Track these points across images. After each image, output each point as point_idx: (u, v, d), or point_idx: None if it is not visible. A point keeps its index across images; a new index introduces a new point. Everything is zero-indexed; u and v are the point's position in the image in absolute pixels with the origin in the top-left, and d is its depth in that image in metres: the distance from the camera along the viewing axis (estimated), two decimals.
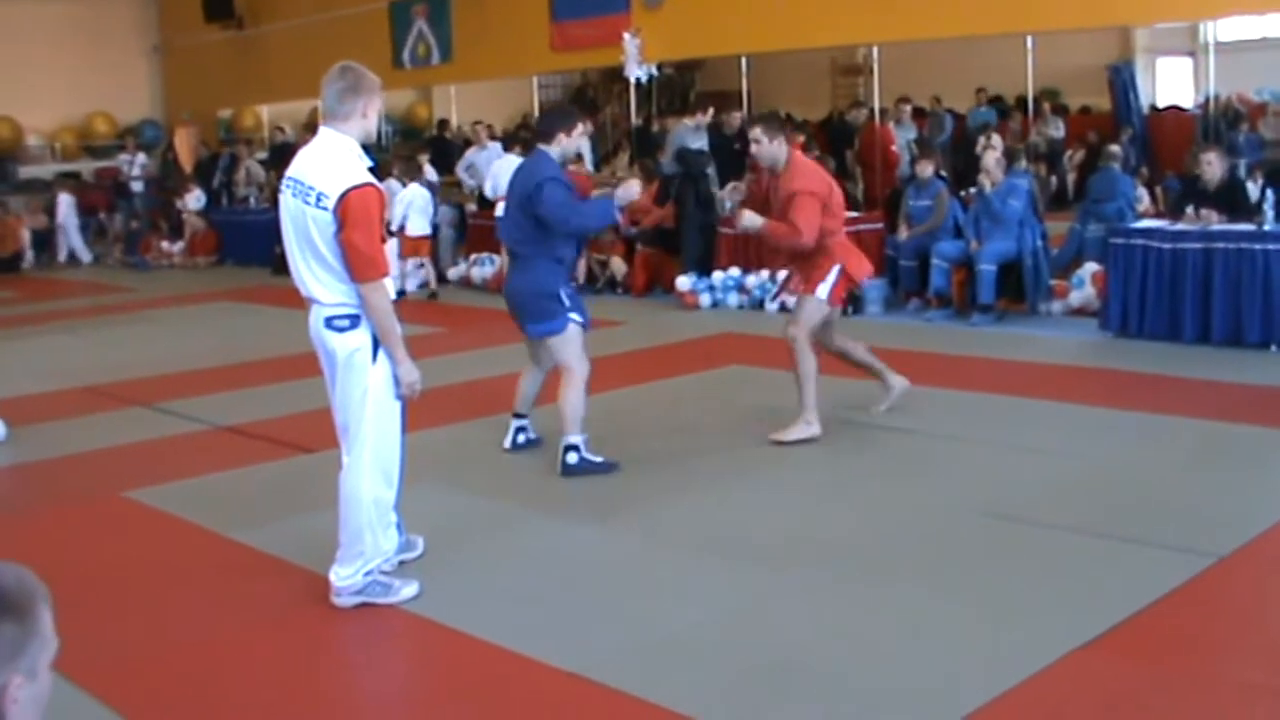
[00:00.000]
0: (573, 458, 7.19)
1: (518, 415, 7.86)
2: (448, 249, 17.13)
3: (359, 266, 5.15)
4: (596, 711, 4.48)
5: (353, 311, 5.26)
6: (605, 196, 7.27)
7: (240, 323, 14.60)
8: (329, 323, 5.29)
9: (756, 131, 7.76)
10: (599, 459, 7.26)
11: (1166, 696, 4.41)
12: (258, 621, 5.40)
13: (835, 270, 7.76)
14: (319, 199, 5.16)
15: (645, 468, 7.30)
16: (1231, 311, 10.03)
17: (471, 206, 17.78)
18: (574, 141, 7.29)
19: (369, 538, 5.38)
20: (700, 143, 15.65)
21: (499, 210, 14.94)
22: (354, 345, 5.28)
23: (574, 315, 7.25)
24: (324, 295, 5.27)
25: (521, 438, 7.84)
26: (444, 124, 23.68)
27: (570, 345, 7.27)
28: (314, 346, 5.46)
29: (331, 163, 5.23)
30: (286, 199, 5.34)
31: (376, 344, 5.29)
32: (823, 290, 7.75)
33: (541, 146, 7.30)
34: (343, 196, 5.11)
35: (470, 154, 18.25)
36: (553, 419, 7.41)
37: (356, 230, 5.12)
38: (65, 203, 22.15)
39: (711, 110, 16.73)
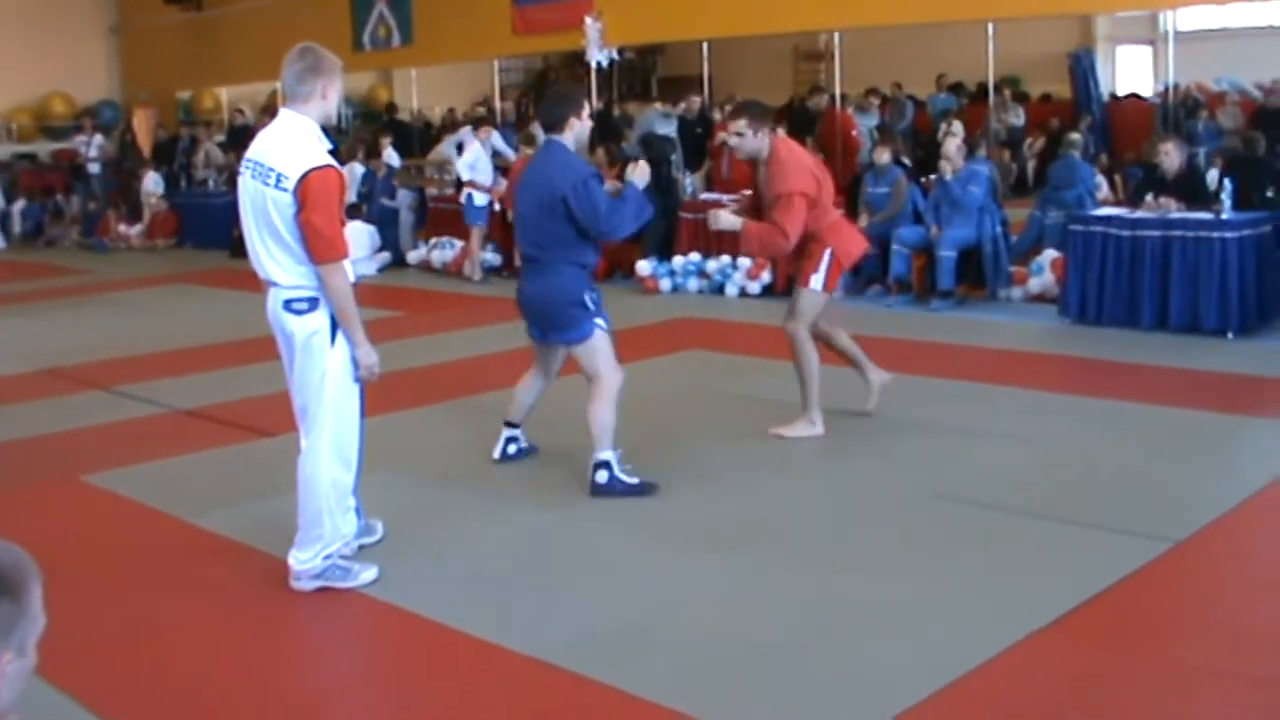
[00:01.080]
0: (603, 476, 6.60)
1: (510, 424, 7.29)
2: (408, 232, 17.06)
3: (318, 248, 5.13)
4: (559, 696, 4.48)
5: (311, 294, 5.24)
6: (626, 188, 6.67)
7: (199, 306, 14.51)
8: (287, 305, 5.27)
9: (740, 124, 7.24)
10: (634, 480, 6.66)
11: (1123, 680, 4.45)
12: (217, 605, 5.38)
13: (826, 256, 7.43)
14: (279, 180, 5.14)
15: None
16: (1189, 299, 10.10)
17: (433, 190, 17.73)
18: (585, 125, 6.66)
19: (328, 521, 5.37)
20: (668, 129, 15.73)
21: (464, 195, 15.04)
22: (312, 328, 5.26)
23: (599, 320, 6.67)
24: (282, 278, 5.25)
25: (512, 448, 7.29)
26: (392, 106, 23.62)
27: (600, 353, 6.70)
28: (272, 329, 5.44)
29: (291, 144, 5.21)
30: (245, 181, 5.32)
31: (335, 326, 5.28)
32: (816, 281, 7.44)
33: (554, 137, 6.62)
34: (303, 178, 5.09)
35: (464, 134, 18.20)
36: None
37: (316, 212, 5.10)
38: None
39: (683, 105, 16.83)
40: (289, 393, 5.51)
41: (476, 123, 16.48)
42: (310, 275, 5.22)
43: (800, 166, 7.31)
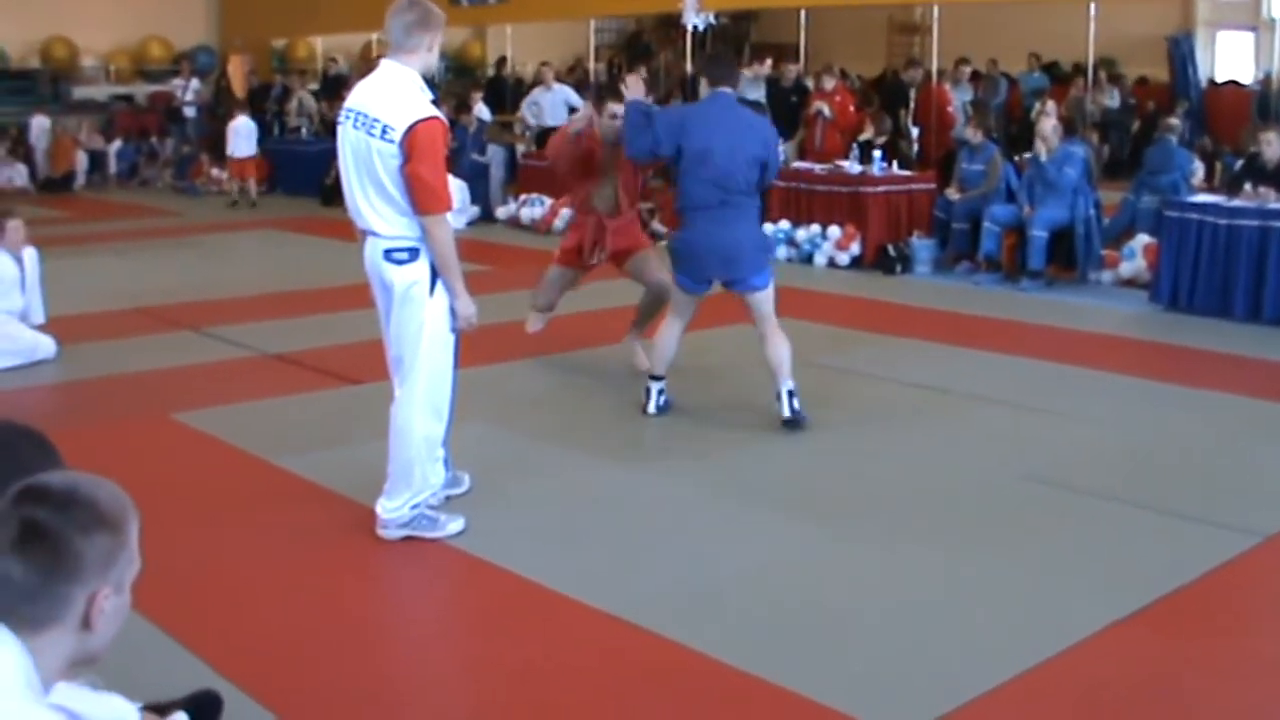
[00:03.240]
0: (796, 403, 7.07)
1: (655, 377, 7.39)
2: (497, 189, 17.10)
3: (424, 199, 5.16)
4: (635, 654, 4.51)
5: (412, 244, 5.27)
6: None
7: (289, 251, 14.65)
8: (388, 255, 5.30)
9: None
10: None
11: (1204, 673, 4.41)
12: (303, 549, 5.45)
13: None
14: (384, 131, 5.16)
15: (694, 415, 7.32)
16: None
17: (522, 147, 17.76)
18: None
19: (417, 471, 5.42)
20: (757, 94, 15.60)
21: None
22: (412, 278, 5.29)
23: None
24: (383, 228, 5.28)
25: (663, 399, 7.38)
26: (502, 62, 23.65)
27: (774, 299, 7.26)
28: (369, 279, 5.47)
29: (396, 95, 5.23)
30: (347, 130, 5.34)
31: (434, 277, 5.31)
32: None
33: (724, 90, 7.09)
34: (410, 129, 5.11)
35: (536, 93, 18.21)
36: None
37: (423, 163, 5.12)
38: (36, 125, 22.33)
39: (770, 62, 16.68)
40: (382, 342, 5.55)
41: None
42: (411, 226, 5.25)
43: None
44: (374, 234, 5.33)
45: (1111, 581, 5.09)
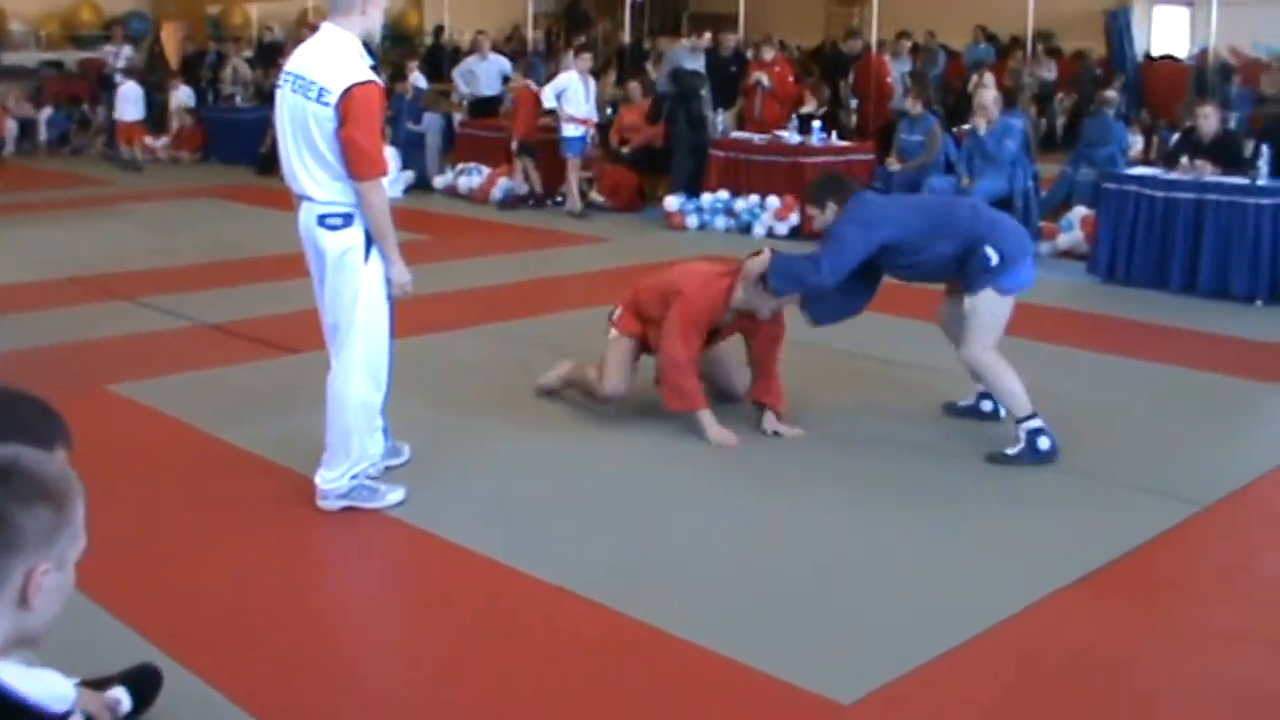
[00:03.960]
0: None
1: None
2: (434, 157, 16.96)
3: (359, 163, 5.10)
4: (576, 624, 4.50)
5: (346, 210, 5.20)
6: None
7: (225, 220, 14.47)
8: (322, 220, 5.23)
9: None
10: None
11: (1146, 639, 4.46)
12: (242, 520, 5.38)
13: None
14: (320, 94, 5.09)
15: (635, 386, 7.28)
16: (1219, 263, 10.03)
17: (459, 116, 17.64)
18: None
19: (356, 441, 5.36)
20: (696, 64, 15.59)
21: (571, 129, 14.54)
22: (346, 244, 5.23)
23: None
24: (318, 193, 5.21)
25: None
26: (440, 30, 23.50)
27: None
28: (303, 245, 5.40)
29: (334, 59, 5.15)
30: (285, 94, 5.26)
31: (369, 244, 5.25)
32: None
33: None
34: (346, 92, 5.04)
35: (470, 62, 18.07)
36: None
37: (358, 127, 5.06)
38: None
39: (709, 35, 16.68)
40: (317, 310, 5.48)
41: (576, 49, 15.79)
42: (346, 191, 5.18)
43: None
44: (308, 199, 5.26)
45: (1052, 551, 5.12)
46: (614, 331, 6.82)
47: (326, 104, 5.08)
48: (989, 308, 6.30)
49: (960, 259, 6.32)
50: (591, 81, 14.62)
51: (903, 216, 6.44)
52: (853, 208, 6.41)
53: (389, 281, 5.35)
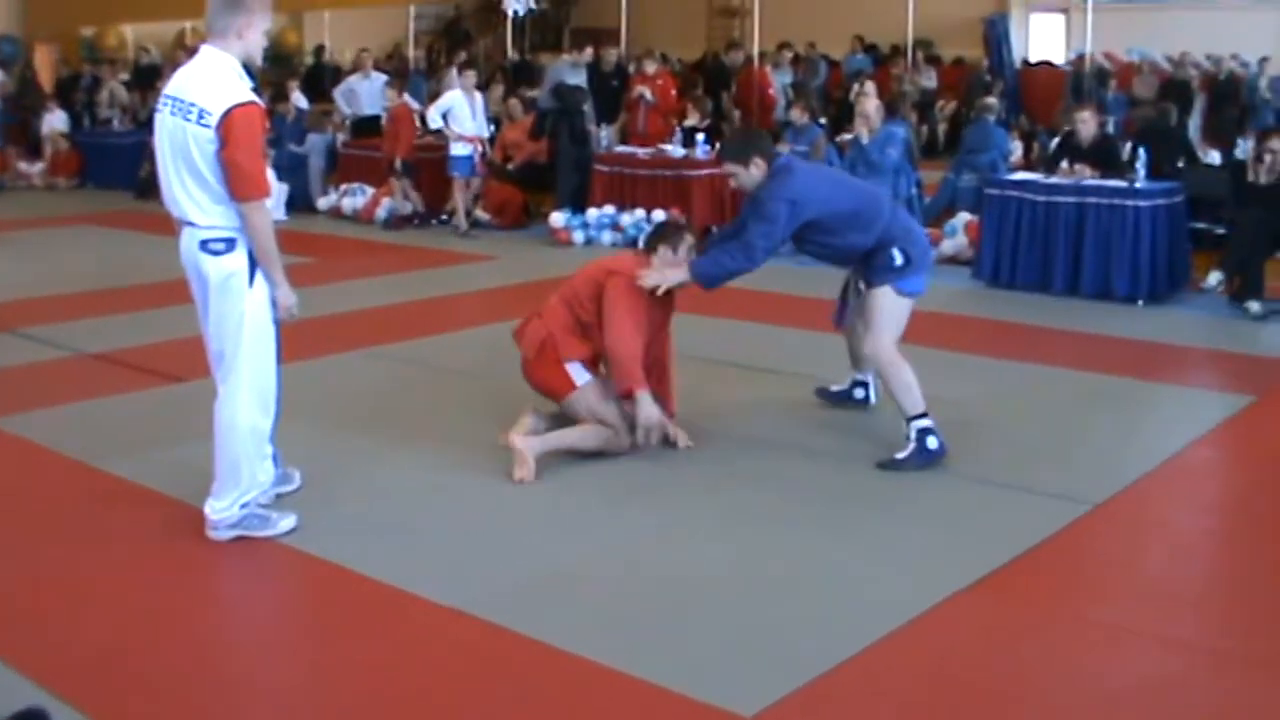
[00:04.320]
0: None
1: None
2: (317, 178, 16.78)
3: (241, 185, 5.03)
4: (477, 646, 4.45)
5: (228, 235, 5.13)
6: None
7: (105, 247, 14.19)
8: (204, 245, 5.15)
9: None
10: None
11: (1044, 638, 4.51)
12: (130, 554, 5.26)
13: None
14: (201, 116, 5.01)
15: (521, 405, 7.25)
16: (1101, 265, 10.22)
17: (342, 136, 17.48)
18: None
19: (245, 469, 5.27)
20: (578, 79, 15.58)
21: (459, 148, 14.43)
22: (230, 269, 5.15)
23: None
24: (199, 217, 5.13)
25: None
26: (321, 50, 23.32)
27: None
28: (185, 271, 5.32)
29: (213, 80, 5.08)
30: (164, 117, 5.18)
31: (253, 268, 5.18)
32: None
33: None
34: (226, 114, 4.97)
35: (352, 80, 17.89)
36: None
37: (239, 149, 4.99)
38: None
39: (590, 50, 16.69)
40: (202, 337, 5.39)
41: (461, 66, 15.81)
42: (228, 215, 5.11)
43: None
44: (190, 224, 5.17)
45: (946, 556, 5.16)
46: (580, 376, 6.40)
47: (207, 125, 5.01)
48: (890, 303, 6.41)
49: (868, 253, 6.40)
50: (478, 97, 14.54)
51: (831, 196, 6.39)
52: (785, 180, 6.31)
53: (274, 304, 5.28)
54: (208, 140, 5.01)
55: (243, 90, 5.07)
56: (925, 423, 6.26)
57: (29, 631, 4.58)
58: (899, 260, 6.32)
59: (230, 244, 5.14)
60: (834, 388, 7.24)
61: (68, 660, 4.36)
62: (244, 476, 5.27)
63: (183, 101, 5.09)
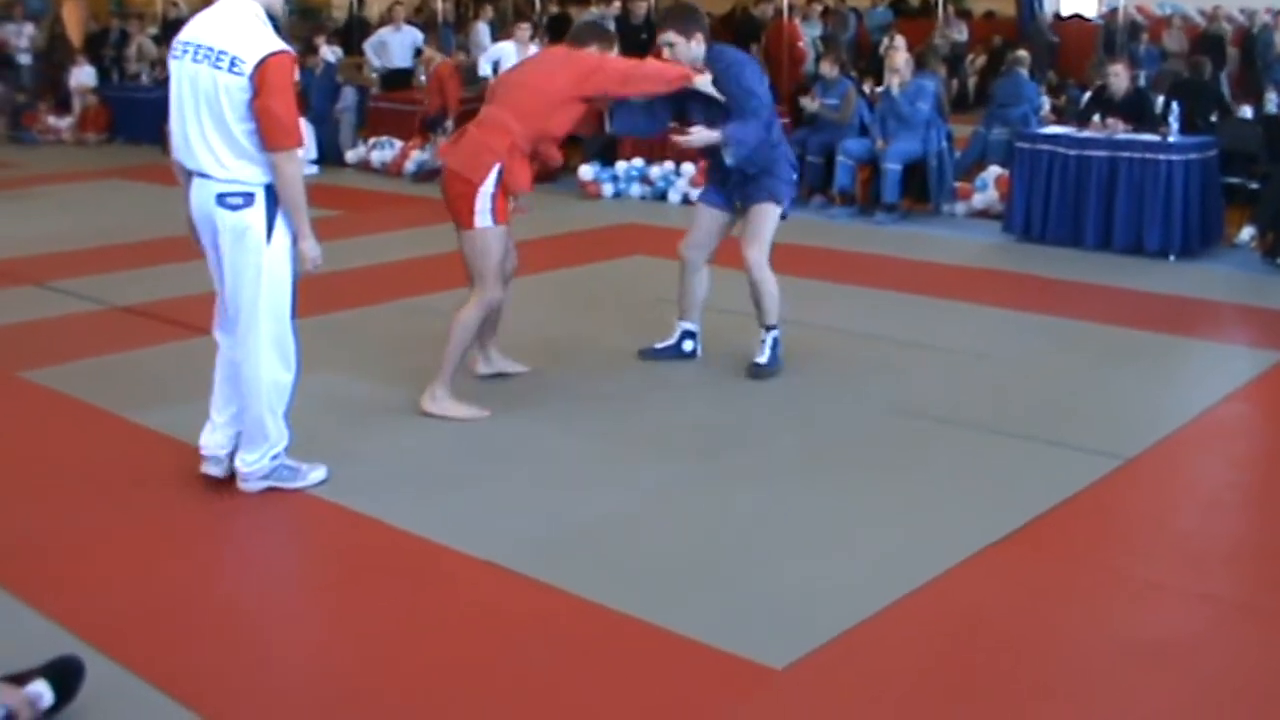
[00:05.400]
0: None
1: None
2: (349, 132, 16.75)
3: (276, 133, 4.95)
4: (509, 598, 4.46)
5: (247, 189, 5.05)
6: None
7: (134, 201, 14.21)
8: (221, 200, 5.07)
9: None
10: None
11: (1074, 594, 4.49)
12: (163, 506, 5.28)
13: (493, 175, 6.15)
14: (233, 64, 4.93)
15: (556, 356, 7.25)
16: (1133, 220, 10.14)
17: (373, 89, 17.44)
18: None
19: (271, 423, 5.27)
20: None
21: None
22: (247, 223, 5.08)
23: None
24: (217, 170, 5.04)
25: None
26: (354, 3, 23.27)
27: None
28: (195, 224, 5.28)
29: (241, 27, 5.00)
30: (184, 65, 5.07)
31: (270, 223, 5.10)
32: (481, 218, 6.19)
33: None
34: (261, 62, 4.90)
35: (383, 33, 17.84)
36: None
37: (275, 97, 4.92)
38: None
39: (618, 3, 16.58)
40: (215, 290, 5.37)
41: (513, 18, 15.75)
42: (247, 168, 5.03)
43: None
44: (206, 176, 5.09)
45: (981, 508, 5.15)
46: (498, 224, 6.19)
47: (239, 74, 4.92)
48: (771, 219, 6.84)
49: (754, 151, 6.68)
50: (532, 49, 14.44)
51: (764, 90, 6.77)
52: (749, 68, 6.76)
53: (294, 258, 5.21)
54: (240, 89, 4.93)
55: (275, 39, 5.01)
56: (778, 333, 6.93)
57: (63, 581, 4.60)
58: (794, 174, 6.94)
59: (249, 199, 5.07)
60: (658, 344, 7.28)
61: (101, 610, 4.38)
62: (271, 430, 5.27)
63: (210, 49, 4.99)
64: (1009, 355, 7.36)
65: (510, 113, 6.20)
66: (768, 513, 5.18)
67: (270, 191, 5.09)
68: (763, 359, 6.88)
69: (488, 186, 6.09)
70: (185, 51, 5.08)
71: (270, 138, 4.97)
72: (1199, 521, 5.22)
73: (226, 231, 5.11)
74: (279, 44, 5.00)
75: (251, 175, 5.05)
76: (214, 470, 5.44)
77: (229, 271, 5.19)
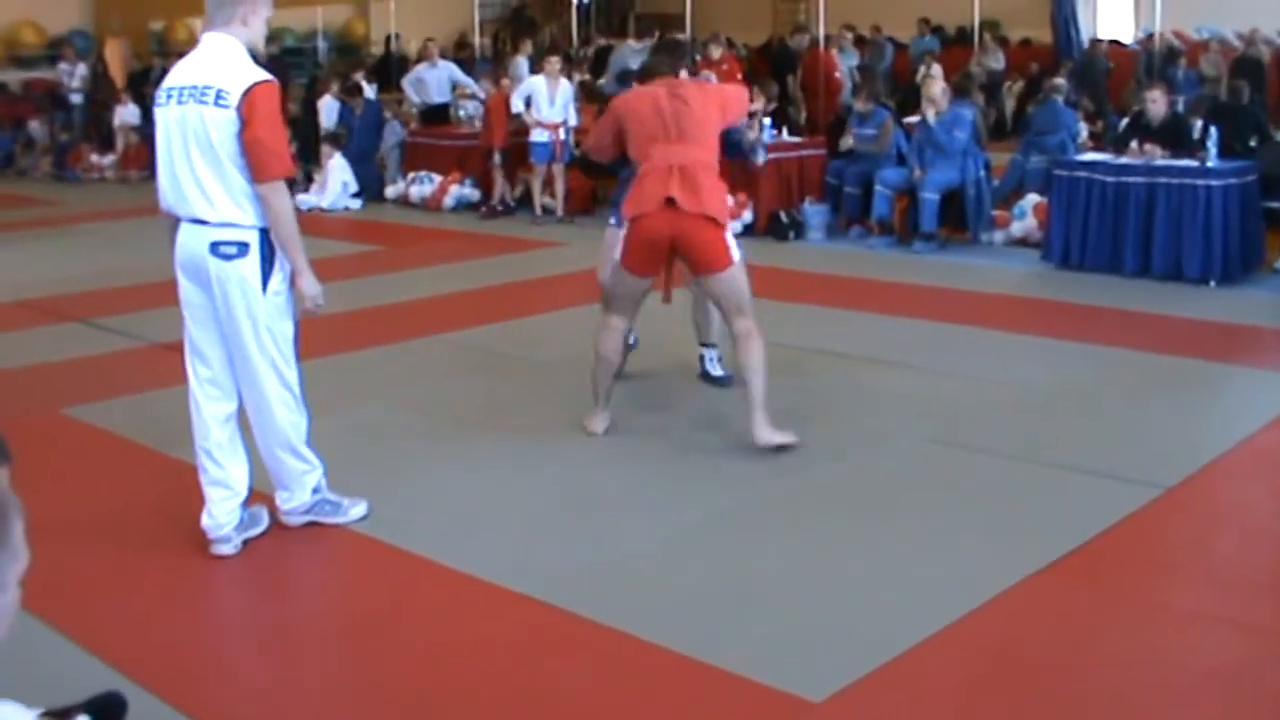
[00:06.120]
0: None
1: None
2: (394, 167, 16.78)
3: (265, 163, 4.84)
4: (549, 633, 4.47)
5: (242, 238, 4.93)
6: None
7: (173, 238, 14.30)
8: (215, 249, 4.95)
9: (685, 75, 6.68)
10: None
11: (1118, 625, 4.46)
12: (204, 541, 5.28)
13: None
14: (219, 97, 4.84)
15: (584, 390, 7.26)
16: (1172, 246, 10.10)
17: (412, 124, 17.55)
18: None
19: (294, 463, 5.23)
20: None
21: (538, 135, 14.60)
22: (242, 274, 4.95)
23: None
24: (210, 214, 4.93)
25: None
26: (389, 40, 23.43)
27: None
28: (181, 272, 5.14)
29: (225, 62, 4.93)
30: (169, 110, 5.00)
31: (266, 271, 4.98)
32: (734, 252, 6.32)
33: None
34: (247, 92, 4.82)
35: (420, 69, 17.98)
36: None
37: (262, 126, 4.83)
38: None
39: (655, 35, 16.66)
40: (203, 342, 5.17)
41: (544, 53, 15.69)
42: (241, 209, 4.92)
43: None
44: (199, 222, 4.98)
45: (1019, 539, 5.13)
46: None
47: (226, 106, 4.83)
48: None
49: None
50: (562, 83, 14.51)
51: None
52: None
53: (291, 298, 5.10)
54: (228, 121, 4.84)
55: (258, 70, 4.94)
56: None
57: (109, 618, 4.64)
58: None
59: (243, 249, 4.93)
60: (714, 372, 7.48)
61: (143, 645, 4.42)
62: (295, 469, 5.25)
63: (194, 87, 4.91)
64: (1048, 384, 7.33)
65: (701, 149, 6.25)
66: (804, 545, 5.17)
67: (265, 237, 4.97)
68: (721, 373, 7.33)
69: (729, 222, 6.34)
70: (170, 96, 5.01)
71: (261, 169, 4.86)
72: (1242, 550, 5.18)
73: (219, 282, 4.98)
74: (263, 74, 4.93)
75: (245, 218, 4.93)
76: (226, 550, 5.14)
77: (225, 322, 5.04)
